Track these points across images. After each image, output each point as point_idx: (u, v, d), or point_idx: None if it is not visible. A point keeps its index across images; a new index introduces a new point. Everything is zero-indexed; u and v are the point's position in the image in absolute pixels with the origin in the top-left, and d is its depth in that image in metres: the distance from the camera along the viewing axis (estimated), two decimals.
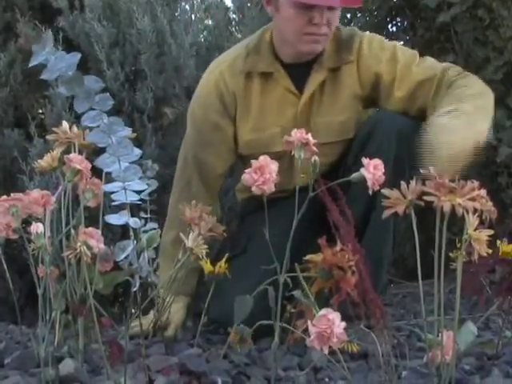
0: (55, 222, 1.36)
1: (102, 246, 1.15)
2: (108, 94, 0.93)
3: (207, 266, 1.57)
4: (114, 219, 1.23)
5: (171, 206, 1.86)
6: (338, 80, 1.76)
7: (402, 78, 1.72)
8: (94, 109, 1.03)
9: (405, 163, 1.63)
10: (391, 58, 1.74)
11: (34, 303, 2.07)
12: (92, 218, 1.44)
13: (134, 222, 1.27)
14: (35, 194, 1.29)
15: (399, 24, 2.83)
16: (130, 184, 0.95)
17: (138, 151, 1.04)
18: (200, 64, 2.38)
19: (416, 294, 2.55)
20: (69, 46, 2.49)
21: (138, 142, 2.40)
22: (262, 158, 1.10)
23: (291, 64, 1.76)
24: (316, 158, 1.11)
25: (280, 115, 1.76)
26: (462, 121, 1.53)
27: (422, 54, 2.82)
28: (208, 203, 1.72)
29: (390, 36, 2.90)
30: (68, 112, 2.26)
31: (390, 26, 2.87)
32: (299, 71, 1.75)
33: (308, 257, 1.24)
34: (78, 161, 1.16)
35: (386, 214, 1.03)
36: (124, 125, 0.93)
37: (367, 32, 1.84)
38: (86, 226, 1.18)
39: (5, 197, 1.27)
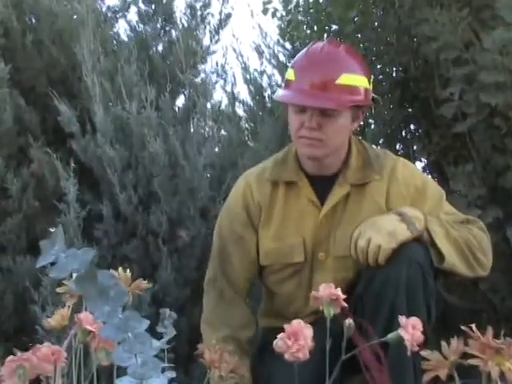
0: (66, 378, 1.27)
1: None
2: (123, 287, 0.85)
3: None
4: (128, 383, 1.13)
5: (211, 312, 1.83)
6: (364, 195, 1.75)
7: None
8: None
9: (417, 287, 1.58)
10: (422, 192, 1.77)
11: None
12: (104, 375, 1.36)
13: None
14: (45, 349, 1.22)
15: (414, 132, 2.80)
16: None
17: (156, 344, 0.96)
18: (214, 184, 2.36)
19: None
20: (81, 168, 2.48)
21: (152, 267, 2.36)
22: (295, 322, 1.03)
23: (315, 176, 1.76)
24: (351, 321, 1.03)
25: (301, 225, 1.75)
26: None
27: (439, 162, 2.81)
28: (243, 307, 1.80)
29: (404, 142, 2.87)
30: (80, 240, 2.22)
31: (403, 133, 2.84)
32: (323, 183, 1.75)
33: None
34: (89, 321, 1.09)
35: (427, 377, 0.94)
36: (141, 316, 0.85)
37: (400, 158, 1.86)
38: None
39: (12, 357, 1.19)
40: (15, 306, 2.40)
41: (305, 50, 1.77)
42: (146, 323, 0.85)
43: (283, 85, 1.81)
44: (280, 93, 1.78)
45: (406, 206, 1.71)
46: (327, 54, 1.72)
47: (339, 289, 1.07)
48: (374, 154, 1.79)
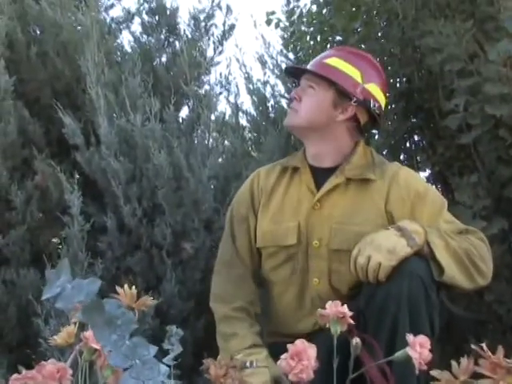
0: None
1: None
2: (132, 314, 0.82)
3: None
4: None
5: (220, 288, 1.87)
6: (363, 194, 1.79)
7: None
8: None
9: (420, 301, 1.58)
10: (422, 197, 1.77)
11: None
12: None
13: None
14: (50, 367, 1.21)
15: (418, 143, 2.79)
16: None
17: (164, 369, 0.95)
18: (218, 196, 2.35)
19: None
20: (85, 180, 2.48)
21: (157, 279, 2.35)
22: (299, 342, 1.02)
23: (317, 167, 1.85)
24: (358, 340, 1.02)
25: (298, 211, 1.81)
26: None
27: (443, 173, 2.80)
28: (250, 283, 1.84)
29: (409, 153, 2.86)
30: (84, 252, 2.21)
31: (407, 143, 2.83)
32: (323, 174, 1.82)
33: None
34: (95, 339, 1.08)
35: None
36: (148, 342, 0.82)
37: (405, 167, 1.91)
38: None
39: (16, 375, 1.18)
40: (18, 318, 2.39)
41: None
42: (154, 349, 0.83)
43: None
44: None
45: (406, 216, 1.72)
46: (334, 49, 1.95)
47: (345, 306, 1.05)
48: (380, 161, 1.86)
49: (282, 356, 1.04)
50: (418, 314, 1.56)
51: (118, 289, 1.31)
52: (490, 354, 0.89)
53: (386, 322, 1.55)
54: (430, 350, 0.99)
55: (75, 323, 1.28)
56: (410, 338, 0.99)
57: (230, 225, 1.92)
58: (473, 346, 0.95)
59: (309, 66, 1.89)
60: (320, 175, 1.83)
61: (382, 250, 1.57)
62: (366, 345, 1.41)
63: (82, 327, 1.22)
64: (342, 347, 1.19)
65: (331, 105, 1.81)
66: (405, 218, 1.72)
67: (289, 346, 1.04)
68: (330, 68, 1.81)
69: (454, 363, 0.93)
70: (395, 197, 1.77)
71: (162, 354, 1.41)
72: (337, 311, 1.04)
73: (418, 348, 0.97)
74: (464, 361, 0.92)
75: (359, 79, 1.82)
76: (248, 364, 1.63)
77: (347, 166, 1.80)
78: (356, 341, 1.03)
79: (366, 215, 1.75)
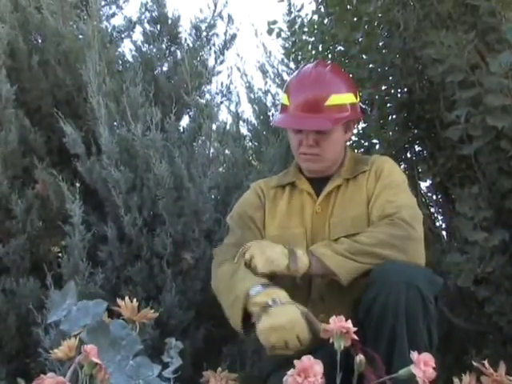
0: None
1: None
2: (136, 336, 0.81)
3: None
4: None
5: (231, 277, 1.73)
6: (354, 186, 1.90)
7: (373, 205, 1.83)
8: None
9: (417, 312, 1.58)
10: (386, 175, 1.88)
11: None
12: None
13: None
14: (49, 381, 1.20)
15: (419, 153, 2.78)
16: None
17: None
18: (219, 206, 2.34)
19: None
20: (86, 189, 2.47)
21: (157, 289, 2.34)
22: (305, 358, 1.00)
23: (312, 177, 1.93)
24: (362, 357, 1.02)
25: (302, 217, 1.88)
26: None
27: (444, 184, 2.79)
28: None
29: (409, 164, 2.86)
30: (85, 261, 2.20)
31: (408, 154, 2.82)
32: (320, 181, 1.91)
33: None
34: (95, 353, 1.07)
35: None
36: (151, 362, 0.81)
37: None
38: None
39: None
40: (18, 327, 2.38)
41: (295, 74, 1.94)
42: (158, 369, 0.83)
43: (279, 109, 1.94)
44: (277, 117, 1.94)
45: (371, 189, 1.85)
46: (316, 77, 1.87)
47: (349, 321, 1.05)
48: (364, 157, 2.01)
49: (289, 372, 1.03)
50: (415, 324, 1.57)
51: (119, 301, 1.30)
52: (492, 371, 0.89)
53: (384, 333, 1.56)
54: (434, 368, 0.98)
55: (76, 335, 1.27)
56: (414, 355, 0.98)
57: (234, 228, 1.91)
58: (475, 364, 0.94)
59: (305, 111, 1.83)
60: (317, 183, 1.92)
61: (264, 253, 1.67)
62: (368, 358, 1.41)
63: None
64: (342, 360, 1.19)
65: (343, 133, 1.90)
66: (370, 191, 1.84)
67: (295, 361, 1.03)
68: (335, 108, 1.83)
69: (456, 380, 0.92)
70: (371, 176, 1.89)
71: (161, 366, 1.40)
72: (340, 326, 1.03)
73: (423, 366, 0.96)
74: (466, 378, 0.91)
75: (356, 100, 1.91)
76: (270, 302, 1.53)
77: (342, 169, 1.92)
78: (360, 358, 1.02)
79: (356, 200, 1.85)
